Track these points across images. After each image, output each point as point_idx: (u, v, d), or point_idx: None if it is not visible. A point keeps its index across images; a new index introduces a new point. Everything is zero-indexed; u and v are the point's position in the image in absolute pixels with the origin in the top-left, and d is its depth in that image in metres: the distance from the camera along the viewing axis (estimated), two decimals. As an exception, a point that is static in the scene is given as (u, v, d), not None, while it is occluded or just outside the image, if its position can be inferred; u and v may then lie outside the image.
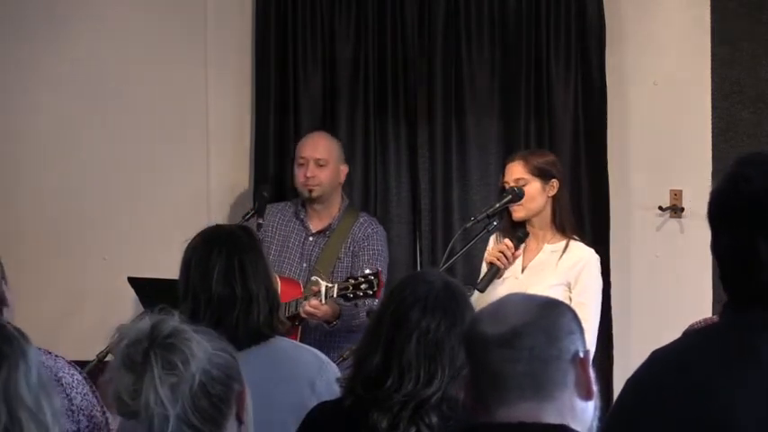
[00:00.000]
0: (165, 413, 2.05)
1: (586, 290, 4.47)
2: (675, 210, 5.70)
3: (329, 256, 4.95)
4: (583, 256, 4.52)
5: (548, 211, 4.55)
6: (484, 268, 4.64)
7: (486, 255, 4.64)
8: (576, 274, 4.47)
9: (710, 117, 5.70)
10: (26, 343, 2.07)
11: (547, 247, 4.54)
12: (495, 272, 4.52)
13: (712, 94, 5.70)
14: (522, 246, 4.57)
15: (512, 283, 4.53)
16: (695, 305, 5.52)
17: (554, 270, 4.49)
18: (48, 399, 2.05)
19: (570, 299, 4.42)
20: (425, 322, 2.66)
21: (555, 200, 4.55)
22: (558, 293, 4.37)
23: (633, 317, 5.63)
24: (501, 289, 4.49)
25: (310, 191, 4.98)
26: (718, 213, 2.09)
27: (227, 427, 2.12)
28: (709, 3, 5.68)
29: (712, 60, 5.69)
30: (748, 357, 2.01)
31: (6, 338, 2.05)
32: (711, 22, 5.69)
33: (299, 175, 5.04)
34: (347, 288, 4.37)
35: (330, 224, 4.98)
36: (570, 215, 4.62)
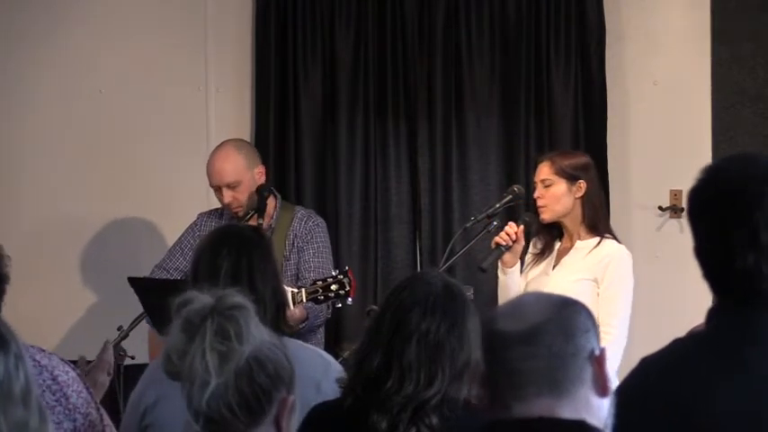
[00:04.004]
0: (207, 379, 2.02)
1: (613, 285, 4.44)
2: (675, 210, 5.70)
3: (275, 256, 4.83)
4: (611, 251, 4.48)
5: (577, 212, 4.51)
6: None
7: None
8: (603, 270, 4.44)
9: (710, 117, 5.70)
10: (11, 338, 1.84)
11: (578, 244, 4.52)
12: (500, 252, 4.49)
13: (712, 94, 5.70)
14: (557, 244, 4.57)
15: (542, 279, 4.53)
16: (695, 305, 5.47)
17: (581, 265, 4.47)
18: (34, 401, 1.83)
19: (598, 294, 4.42)
20: (425, 324, 2.65)
21: (583, 201, 4.51)
22: (584, 288, 4.37)
23: (633, 317, 5.60)
24: (532, 285, 4.52)
25: (236, 213, 4.83)
26: (693, 208, 2.12)
27: (263, 427, 2.07)
28: (709, 3, 5.68)
29: (712, 60, 5.69)
30: (734, 363, 2.02)
31: None
32: (711, 22, 5.69)
33: (220, 200, 4.87)
34: (316, 291, 4.23)
35: (269, 224, 4.89)
36: (603, 216, 4.58)
